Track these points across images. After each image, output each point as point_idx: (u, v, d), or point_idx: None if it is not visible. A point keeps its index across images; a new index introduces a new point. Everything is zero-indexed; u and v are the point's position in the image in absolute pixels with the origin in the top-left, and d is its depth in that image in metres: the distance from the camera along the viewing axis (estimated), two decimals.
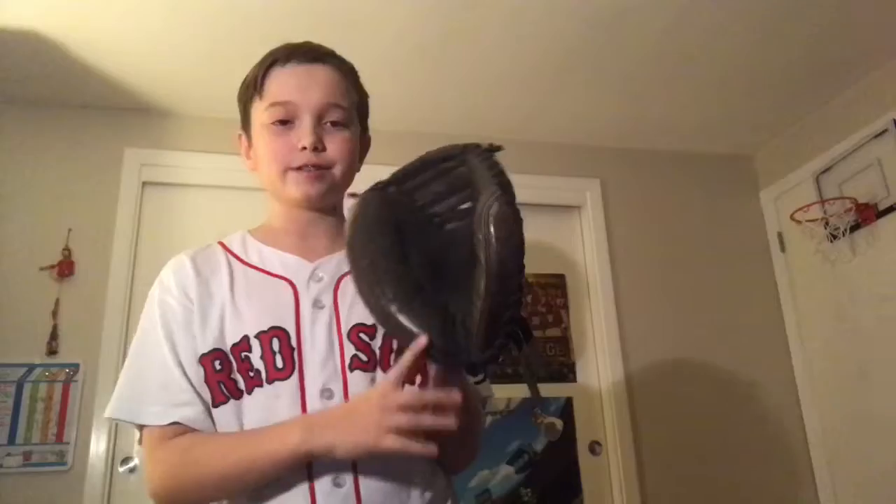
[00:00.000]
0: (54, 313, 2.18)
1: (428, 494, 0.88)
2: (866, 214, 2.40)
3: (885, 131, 2.35)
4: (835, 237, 2.47)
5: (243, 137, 1.03)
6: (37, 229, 2.25)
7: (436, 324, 0.77)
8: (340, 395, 0.87)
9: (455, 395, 0.79)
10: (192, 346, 0.89)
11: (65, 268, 2.21)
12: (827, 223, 2.49)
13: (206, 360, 0.88)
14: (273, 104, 0.95)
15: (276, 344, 0.88)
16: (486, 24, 2.10)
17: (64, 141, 2.36)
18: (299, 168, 0.94)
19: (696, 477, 2.49)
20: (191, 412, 0.87)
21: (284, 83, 0.96)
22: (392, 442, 0.78)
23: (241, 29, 2.05)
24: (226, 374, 0.88)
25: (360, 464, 0.84)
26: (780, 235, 2.81)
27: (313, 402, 0.86)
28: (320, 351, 0.89)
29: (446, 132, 2.42)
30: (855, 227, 2.43)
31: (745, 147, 2.96)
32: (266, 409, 0.86)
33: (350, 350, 0.89)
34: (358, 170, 1.02)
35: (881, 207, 2.36)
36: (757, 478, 2.55)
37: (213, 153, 2.44)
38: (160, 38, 2.10)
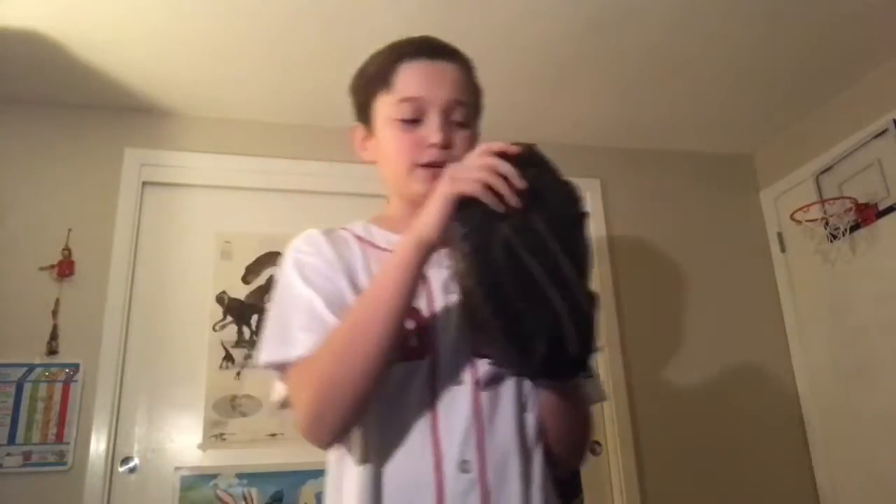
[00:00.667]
0: (54, 313, 2.18)
1: (548, 490, 0.91)
2: (866, 214, 2.39)
3: (885, 131, 2.34)
4: (835, 237, 2.47)
5: (359, 129, 1.04)
6: (37, 229, 2.24)
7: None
8: (469, 384, 0.88)
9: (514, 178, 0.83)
10: (336, 291, 0.89)
11: (65, 268, 2.21)
12: (827, 223, 2.48)
13: None
14: (403, 99, 0.96)
15: (410, 323, 0.88)
16: (487, 25, 2.10)
17: (64, 141, 2.36)
18: (427, 165, 0.94)
19: (696, 477, 2.48)
20: None
21: (414, 79, 0.97)
22: (459, 186, 0.80)
23: (242, 29, 2.04)
24: None
25: (487, 452, 0.85)
26: (780, 235, 2.81)
27: (444, 385, 0.87)
28: (454, 337, 0.90)
29: None
30: (855, 227, 2.43)
31: (745, 147, 2.96)
32: (398, 386, 0.86)
33: None
34: None
35: (881, 207, 2.36)
36: (757, 477, 2.55)
37: (213, 153, 2.45)
38: (160, 38, 2.09)
